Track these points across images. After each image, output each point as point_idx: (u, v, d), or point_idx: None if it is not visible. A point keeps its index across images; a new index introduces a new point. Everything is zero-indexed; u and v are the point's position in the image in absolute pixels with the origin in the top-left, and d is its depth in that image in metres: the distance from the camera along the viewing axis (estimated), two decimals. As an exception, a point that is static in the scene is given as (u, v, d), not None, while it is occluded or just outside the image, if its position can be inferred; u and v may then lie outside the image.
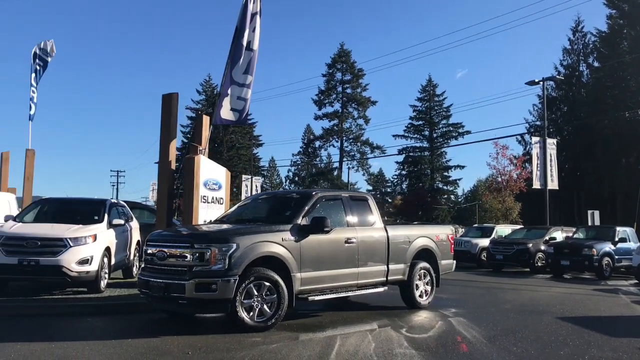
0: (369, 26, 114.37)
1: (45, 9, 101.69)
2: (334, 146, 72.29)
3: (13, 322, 8.41)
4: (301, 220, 8.66)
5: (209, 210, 11.76)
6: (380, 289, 9.91)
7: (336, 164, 72.17)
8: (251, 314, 7.88)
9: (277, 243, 8.21)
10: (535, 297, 13.44)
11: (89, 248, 10.22)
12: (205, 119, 13.08)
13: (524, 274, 20.70)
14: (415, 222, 17.54)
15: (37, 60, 20.67)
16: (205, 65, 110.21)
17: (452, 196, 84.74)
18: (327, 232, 8.71)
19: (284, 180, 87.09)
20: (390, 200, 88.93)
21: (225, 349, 6.83)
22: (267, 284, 8.00)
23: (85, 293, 10.47)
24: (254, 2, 12.60)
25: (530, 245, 21.17)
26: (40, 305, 9.43)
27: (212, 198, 12.08)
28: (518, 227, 26.37)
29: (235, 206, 10.73)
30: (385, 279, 9.88)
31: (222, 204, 12.40)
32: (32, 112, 20.42)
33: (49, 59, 20.92)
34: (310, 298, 8.65)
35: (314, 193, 9.40)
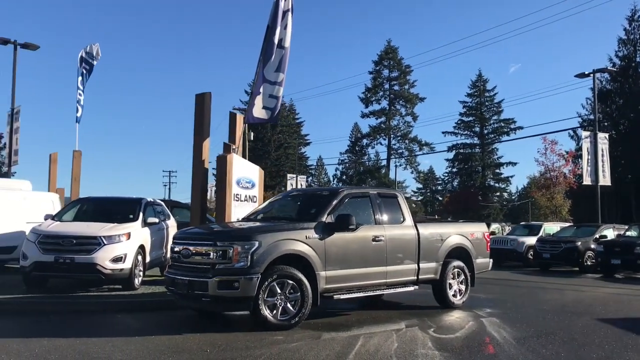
0: (416, 20, 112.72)
1: (91, 10, 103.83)
2: (381, 144, 71.99)
3: (45, 318, 8.60)
4: (326, 218, 8.56)
5: (242, 209, 11.78)
6: (411, 288, 9.71)
7: (384, 162, 71.75)
8: (274, 312, 7.83)
9: (301, 241, 8.13)
10: (579, 298, 12.94)
11: (123, 246, 10.40)
12: (239, 118, 13.13)
13: (572, 273, 19.99)
14: (450, 219, 17.16)
15: (83, 64, 21.24)
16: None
17: (504, 194, 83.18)
18: (353, 229, 8.58)
19: (331, 179, 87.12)
20: (440, 198, 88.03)
21: (244, 347, 6.80)
22: (291, 282, 7.94)
23: (120, 290, 10.64)
24: (285, 0, 12.56)
25: (579, 243, 20.43)
26: (74, 302, 9.64)
27: (245, 196, 12.11)
28: (567, 224, 25.52)
29: (265, 203, 10.72)
30: (415, 277, 9.67)
31: (255, 202, 12.42)
32: (78, 115, 20.96)
33: (95, 63, 21.44)
34: (336, 297, 8.53)
35: (340, 190, 9.29)
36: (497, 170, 74.48)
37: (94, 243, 10.15)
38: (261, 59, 12.57)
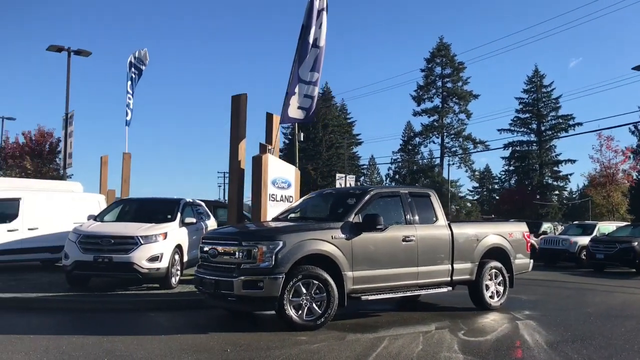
0: (469, 14, 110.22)
1: (137, 16, 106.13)
2: (434, 142, 71.01)
3: (80, 316, 8.86)
4: (353, 218, 8.47)
5: (277, 209, 11.81)
6: (444, 289, 9.50)
7: (437, 161, 70.74)
8: (300, 312, 7.79)
9: (326, 241, 8.06)
10: (628, 301, 12.38)
11: (159, 245, 10.59)
12: (276, 119, 13.16)
13: (627, 275, 19.13)
14: (494, 218, 16.71)
15: (132, 69, 21.79)
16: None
17: (564, 192, 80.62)
18: (380, 229, 8.44)
19: (384, 178, 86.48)
20: (497, 197, 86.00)
21: (265, 347, 6.78)
22: (316, 282, 7.89)
23: (158, 289, 10.84)
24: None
25: (636, 243, 19.52)
26: (110, 300, 9.87)
27: (281, 196, 12.14)
28: (624, 224, 24.47)
29: (296, 203, 10.71)
30: (449, 278, 9.45)
31: (291, 202, 12.42)
32: (128, 118, 21.53)
33: (144, 67, 21.97)
34: (364, 297, 8.42)
35: (368, 190, 9.17)
36: (555, 168, 72.21)
37: (131, 243, 10.38)
38: (296, 58, 12.56)
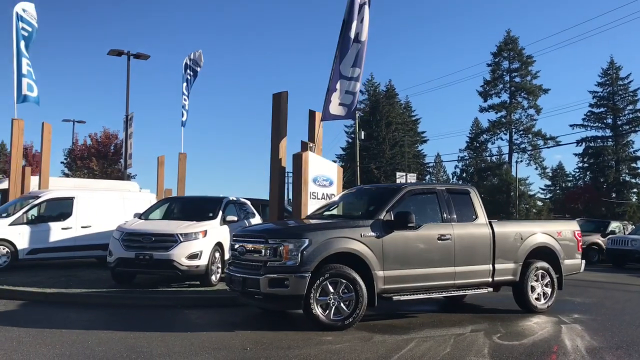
0: (536, 3, 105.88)
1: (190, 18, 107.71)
2: (501, 139, 68.94)
3: (116, 312, 9.03)
4: (385, 216, 8.22)
5: (318, 206, 11.69)
6: (484, 290, 9.10)
7: (506, 158, 68.70)
8: (327, 311, 7.63)
9: (355, 239, 7.86)
10: (695, 305, 11.50)
11: (199, 243, 10.68)
12: (318, 116, 13.03)
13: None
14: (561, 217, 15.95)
15: (188, 71, 22.23)
16: (370, 64, 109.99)
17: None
18: (412, 227, 8.15)
19: (450, 177, 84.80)
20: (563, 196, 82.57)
21: (286, 347, 6.67)
22: (344, 281, 7.70)
23: (198, 286, 10.93)
24: (362, -7, 12.31)
25: None
26: (149, 297, 10.02)
27: (323, 194, 11.99)
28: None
29: (333, 200, 10.54)
30: (490, 279, 9.04)
31: (334, 200, 12.27)
32: (184, 119, 21.98)
33: (199, 69, 22.36)
34: (395, 298, 8.16)
35: (402, 187, 8.90)
36: (634, 165, 68.69)
37: (171, 240, 10.51)
38: (337, 54, 12.39)
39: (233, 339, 7.09)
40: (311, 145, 12.69)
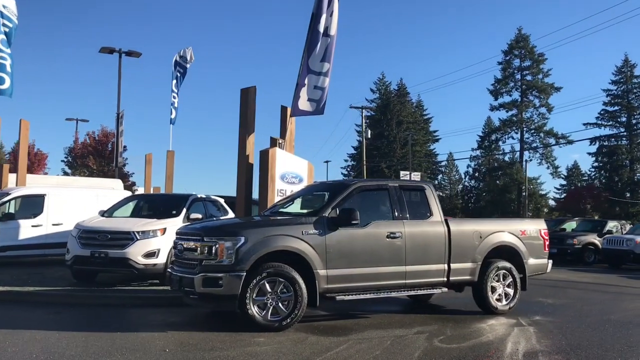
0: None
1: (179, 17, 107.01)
2: (512, 138, 68.03)
3: (59, 311, 8.79)
4: (330, 213, 7.93)
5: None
6: (438, 291, 8.78)
7: (518, 157, 67.79)
8: (264, 312, 7.37)
9: (296, 237, 7.58)
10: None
11: (157, 241, 10.48)
12: (289, 112, 12.79)
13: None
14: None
15: (177, 68, 22.09)
16: (380, 63, 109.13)
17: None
18: (357, 225, 7.86)
19: (463, 176, 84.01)
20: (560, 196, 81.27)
21: (209, 348, 6.44)
22: (282, 280, 7.44)
23: (158, 285, 10.72)
24: (330, -14, 12.03)
25: None
26: (99, 295, 9.81)
27: (291, 191, 11.72)
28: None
29: (287, 197, 10.26)
30: (445, 279, 8.71)
31: (302, 197, 12.00)
32: (172, 116, 21.86)
33: (188, 66, 22.21)
34: (339, 298, 7.87)
35: (351, 183, 8.60)
36: (648, 164, 67.49)
37: (127, 238, 10.32)
38: (306, 48, 12.14)
39: (159, 340, 6.86)
40: (280, 141, 12.46)
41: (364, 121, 51.90)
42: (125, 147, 29.72)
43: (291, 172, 11.99)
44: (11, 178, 16.20)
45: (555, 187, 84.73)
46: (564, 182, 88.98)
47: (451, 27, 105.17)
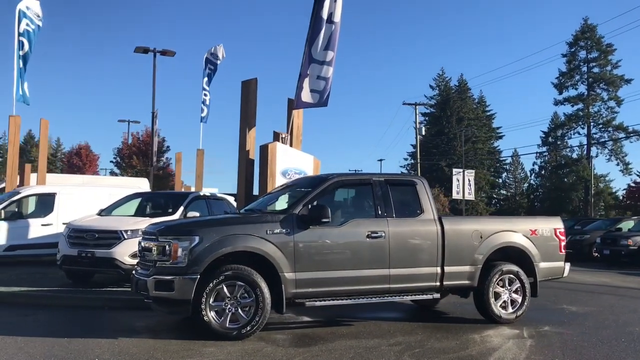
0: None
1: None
2: (579, 134, 64.74)
3: (33, 312, 8.48)
4: (301, 210, 7.20)
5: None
6: (429, 296, 7.88)
7: (584, 153, 64.45)
8: (222, 318, 6.73)
9: (259, 237, 6.90)
10: None
11: (146, 241, 9.99)
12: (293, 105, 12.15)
13: None
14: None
15: (208, 65, 21.83)
16: (439, 57, 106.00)
17: None
18: (327, 223, 7.10)
19: (528, 174, 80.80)
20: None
21: (149, 357, 5.85)
22: (242, 284, 6.78)
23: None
24: (333, -30, 11.30)
25: None
26: (78, 297, 9.37)
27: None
28: None
29: (268, 193, 9.56)
30: (438, 283, 7.81)
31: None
32: (203, 114, 21.61)
33: (219, 62, 21.90)
34: (309, 304, 7.12)
35: (327, 177, 7.83)
36: None
37: (114, 237, 9.92)
38: (308, 37, 11.46)
39: (99, 347, 6.32)
40: (283, 135, 11.83)
41: (417, 118, 50.42)
42: (168, 146, 29.81)
43: (294, 168, 11.35)
44: (33, 177, 16.29)
45: (630, 185, 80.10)
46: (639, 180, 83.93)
47: (508, 15, 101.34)
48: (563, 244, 8.76)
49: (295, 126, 12.25)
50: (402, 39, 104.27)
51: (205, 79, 21.71)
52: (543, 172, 75.27)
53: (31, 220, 13.23)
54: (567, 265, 8.85)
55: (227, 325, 6.73)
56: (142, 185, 18.66)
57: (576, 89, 63.29)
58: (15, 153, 15.17)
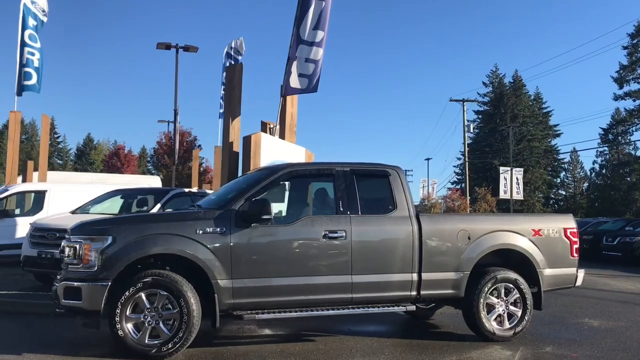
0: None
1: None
2: (640, 130, 60.87)
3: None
4: (241, 205, 6.09)
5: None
6: (402, 308, 6.61)
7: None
8: (140, 333, 5.69)
9: (186, 237, 5.83)
10: None
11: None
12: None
13: None
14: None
15: (229, 60, 21.03)
16: (493, 54, 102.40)
17: None
18: (267, 220, 5.96)
19: (588, 172, 76.99)
20: None
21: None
22: (165, 293, 5.72)
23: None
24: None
25: None
26: (26, 302, 8.60)
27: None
28: None
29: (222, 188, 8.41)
30: (414, 293, 6.54)
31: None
32: (222, 110, 20.77)
33: (240, 57, 21.05)
34: (247, 317, 6.01)
35: (279, 167, 6.68)
36: None
37: (75, 237, 9.04)
38: (297, 16, 10.33)
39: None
40: (272, 125, 10.74)
41: (465, 115, 48.30)
42: (199, 145, 29.24)
43: (282, 161, 10.19)
44: (35, 175, 15.79)
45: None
46: None
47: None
48: (575, 246, 7.30)
49: (288, 115, 11.13)
50: (451, 35, 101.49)
51: (225, 73, 20.87)
52: (604, 170, 71.56)
53: (19, 219, 12.61)
54: (581, 273, 7.38)
55: (145, 341, 5.69)
56: (153, 182, 17.97)
57: (639, 82, 59.56)
58: (15, 149, 14.68)
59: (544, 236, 7.11)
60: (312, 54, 10.19)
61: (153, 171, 36.78)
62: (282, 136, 11.10)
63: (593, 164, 74.83)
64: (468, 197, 44.44)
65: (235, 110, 10.49)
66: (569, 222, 7.37)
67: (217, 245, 5.88)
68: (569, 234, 7.27)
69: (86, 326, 5.92)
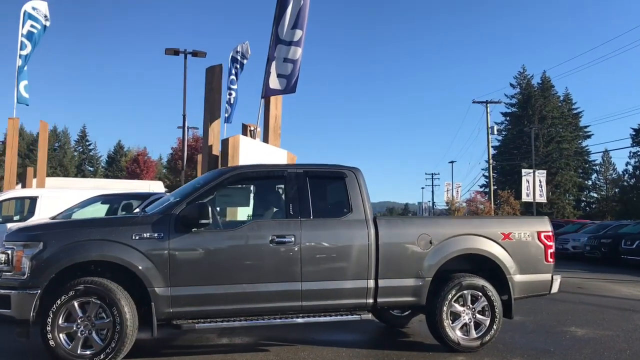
0: None
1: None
2: (676, 129, 59.00)
3: None
4: (181, 210, 5.82)
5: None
6: (356, 317, 6.23)
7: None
8: (73, 343, 5.46)
9: (121, 242, 5.58)
10: None
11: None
12: (273, 98, 10.79)
13: None
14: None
15: (234, 64, 20.89)
16: (521, 54, 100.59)
17: None
18: (205, 224, 5.67)
19: (621, 174, 74.81)
20: None
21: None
22: (98, 302, 5.49)
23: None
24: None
25: None
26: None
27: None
28: None
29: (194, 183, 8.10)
30: (370, 300, 6.18)
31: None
32: (227, 114, 20.61)
33: (245, 61, 20.91)
34: (186, 326, 5.71)
35: (226, 170, 6.41)
36: None
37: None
38: (275, 15, 10.07)
39: None
40: (252, 128, 10.50)
41: (488, 117, 47.33)
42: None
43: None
44: (35, 182, 15.82)
45: None
46: None
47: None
48: (550, 251, 6.84)
49: (272, 117, 10.87)
50: (477, 39, 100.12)
51: (231, 77, 20.74)
52: (638, 172, 69.51)
53: (9, 225, 12.56)
54: (557, 278, 6.91)
55: (78, 351, 5.45)
56: (155, 188, 17.87)
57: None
58: (13, 155, 14.73)
59: (514, 240, 6.67)
60: (291, 53, 9.91)
61: (168, 176, 36.96)
62: (265, 139, 10.84)
63: (626, 165, 72.70)
64: (492, 201, 43.49)
65: (214, 112, 10.29)
66: (544, 225, 6.91)
67: (154, 251, 5.63)
68: (543, 237, 6.82)
69: (19, 335, 5.71)
